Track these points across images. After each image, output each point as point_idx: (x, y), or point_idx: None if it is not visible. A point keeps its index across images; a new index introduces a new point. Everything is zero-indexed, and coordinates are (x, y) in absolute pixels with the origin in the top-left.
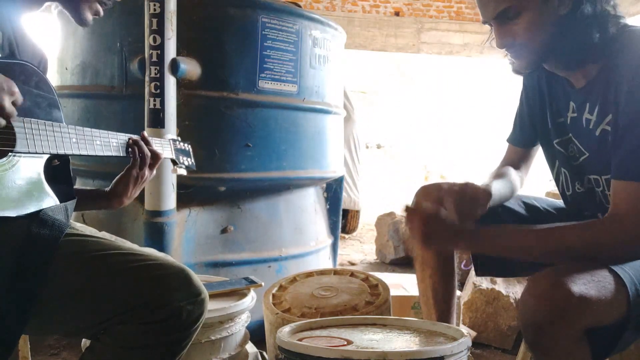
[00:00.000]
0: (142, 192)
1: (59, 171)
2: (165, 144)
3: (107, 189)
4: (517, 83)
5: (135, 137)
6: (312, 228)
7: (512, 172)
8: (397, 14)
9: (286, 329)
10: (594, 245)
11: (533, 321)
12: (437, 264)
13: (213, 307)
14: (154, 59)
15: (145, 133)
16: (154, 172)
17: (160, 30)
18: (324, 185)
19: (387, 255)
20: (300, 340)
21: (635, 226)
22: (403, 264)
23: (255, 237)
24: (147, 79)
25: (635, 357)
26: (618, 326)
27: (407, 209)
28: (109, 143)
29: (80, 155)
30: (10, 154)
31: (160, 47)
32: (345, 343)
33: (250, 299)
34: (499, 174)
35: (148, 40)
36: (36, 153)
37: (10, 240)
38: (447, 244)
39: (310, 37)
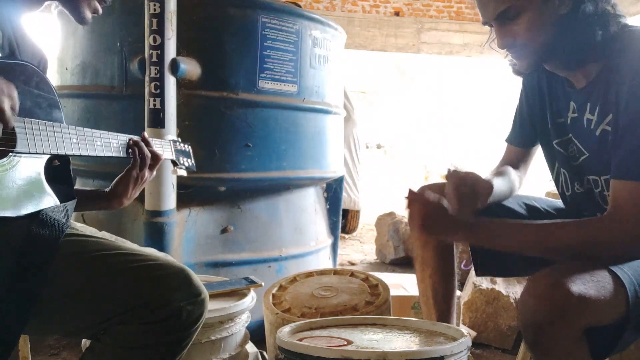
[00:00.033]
0: (142, 192)
1: (59, 171)
2: (166, 144)
3: (107, 189)
4: (517, 83)
5: (135, 138)
6: (312, 228)
7: (511, 171)
8: (397, 14)
9: (286, 329)
10: (592, 243)
11: (533, 321)
12: (437, 264)
13: (213, 307)
14: (154, 59)
15: (146, 134)
16: (154, 173)
17: (160, 30)
18: (324, 185)
19: (387, 255)
20: (300, 340)
21: (634, 226)
22: (403, 264)
23: (255, 237)
24: (147, 79)
25: (635, 357)
26: (617, 326)
27: (410, 192)
28: (109, 144)
29: (81, 155)
30: (10, 154)
31: (160, 47)
32: (345, 343)
33: (250, 299)
34: (498, 172)
35: (148, 40)
36: (36, 153)
37: (11, 240)
38: (445, 234)
39: (310, 37)
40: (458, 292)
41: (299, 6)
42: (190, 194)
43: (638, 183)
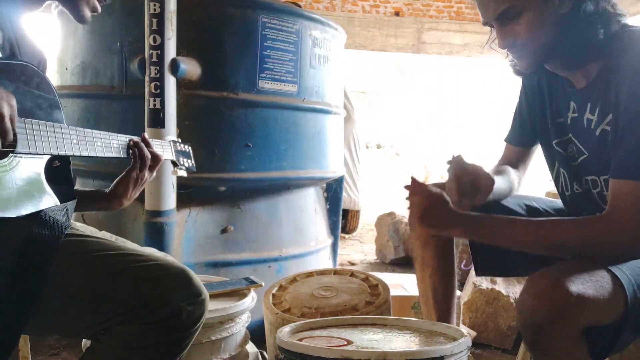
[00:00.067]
0: (142, 192)
1: (59, 172)
2: (166, 145)
3: (107, 190)
4: (517, 83)
5: (136, 138)
6: (312, 228)
7: (510, 171)
8: (397, 14)
9: (286, 329)
10: (591, 242)
11: (532, 321)
12: (437, 264)
13: (213, 307)
14: (154, 59)
15: (146, 134)
16: (154, 174)
17: (160, 30)
18: (324, 185)
19: (387, 255)
20: (300, 340)
21: (633, 225)
22: (403, 264)
23: (255, 237)
24: (147, 79)
25: (635, 357)
26: (616, 326)
27: (413, 181)
28: (109, 144)
29: (81, 156)
30: (11, 154)
31: (160, 47)
32: (345, 343)
33: (250, 299)
34: (498, 171)
35: (148, 40)
36: (37, 154)
37: (11, 240)
38: (445, 227)
39: (310, 37)
40: (458, 292)
41: (299, 6)
42: (190, 194)
43: (637, 182)
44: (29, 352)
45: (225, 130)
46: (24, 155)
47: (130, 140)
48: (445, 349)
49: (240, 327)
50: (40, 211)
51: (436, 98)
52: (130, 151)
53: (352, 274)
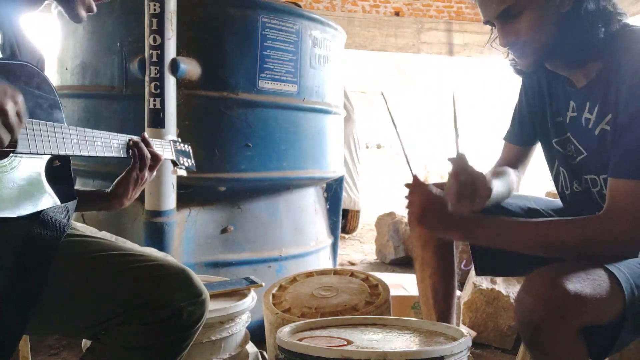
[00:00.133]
0: (143, 192)
1: (59, 172)
2: (166, 145)
3: (108, 190)
4: (517, 83)
5: (135, 138)
6: (312, 228)
7: (510, 171)
8: (397, 14)
9: (286, 329)
10: (590, 241)
11: (529, 320)
12: (437, 264)
13: (213, 307)
14: (154, 59)
15: (146, 134)
16: (155, 173)
17: (160, 30)
18: (324, 185)
19: (387, 255)
20: (300, 340)
21: (631, 224)
22: (403, 264)
23: (255, 237)
24: (147, 79)
25: (635, 357)
26: (615, 325)
27: (415, 179)
28: (109, 144)
29: (81, 156)
30: (11, 154)
31: (160, 47)
32: (345, 343)
33: (250, 299)
34: (497, 172)
35: (148, 40)
36: (37, 154)
37: (11, 240)
38: (442, 230)
39: (310, 37)
40: (458, 292)
41: (299, 6)
42: (190, 194)
43: (636, 182)
44: (29, 352)
45: (225, 130)
46: (24, 155)
47: (130, 140)
48: (445, 349)
49: (240, 327)
50: (41, 211)
51: (436, 98)
52: (130, 151)
53: (352, 274)
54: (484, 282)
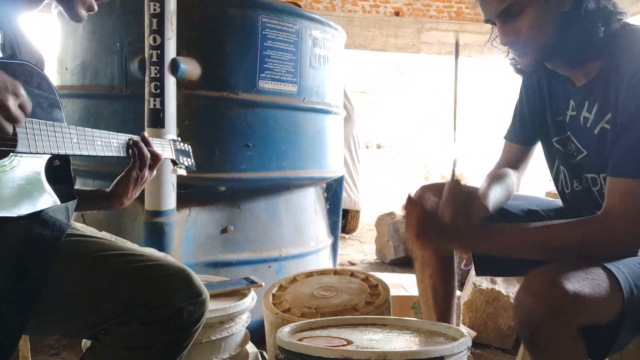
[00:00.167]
0: (143, 192)
1: (59, 171)
2: (166, 144)
3: (108, 189)
4: (516, 83)
5: (135, 137)
6: (312, 228)
7: (510, 173)
8: (397, 14)
9: (286, 329)
10: (590, 242)
11: (529, 319)
12: (437, 264)
13: (213, 307)
14: (154, 59)
15: (146, 133)
16: (154, 172)
17: (160, 30)
18: (324, 185)
19: (387, 255)
20: (300, 340)
21: (631, 223)
22: (403, 264)
23: (255, 237)
24: (147, 79)
25: (635, 357)
26: (614, 325)
27: (409, 199)
28: (109, 143)
29: (81, 155)
30: (11, 154)
31: (160, 47)
32: (345, 343)
33: (250, 299)
34: (496, 176)
35: (148, 40)
36: (37, 153)
37: (11, 240)
38: (441, 243)
39: (310, 37)
40: (458, 292)
41: (299, 6)
42: (190, 194)
43: (635, 181)
44: (29, 352)
45: (225, 130)
46: (24, 155)
47: (130, 139)
48: (445, 349)
49: (240, 327)
50: (41, 211)
51: (436, 98)
52: (130, 150)
53: (352, 274)
54: (484, 282)
